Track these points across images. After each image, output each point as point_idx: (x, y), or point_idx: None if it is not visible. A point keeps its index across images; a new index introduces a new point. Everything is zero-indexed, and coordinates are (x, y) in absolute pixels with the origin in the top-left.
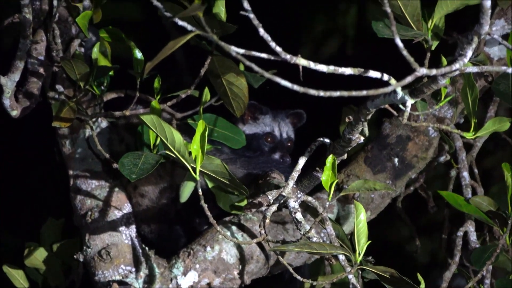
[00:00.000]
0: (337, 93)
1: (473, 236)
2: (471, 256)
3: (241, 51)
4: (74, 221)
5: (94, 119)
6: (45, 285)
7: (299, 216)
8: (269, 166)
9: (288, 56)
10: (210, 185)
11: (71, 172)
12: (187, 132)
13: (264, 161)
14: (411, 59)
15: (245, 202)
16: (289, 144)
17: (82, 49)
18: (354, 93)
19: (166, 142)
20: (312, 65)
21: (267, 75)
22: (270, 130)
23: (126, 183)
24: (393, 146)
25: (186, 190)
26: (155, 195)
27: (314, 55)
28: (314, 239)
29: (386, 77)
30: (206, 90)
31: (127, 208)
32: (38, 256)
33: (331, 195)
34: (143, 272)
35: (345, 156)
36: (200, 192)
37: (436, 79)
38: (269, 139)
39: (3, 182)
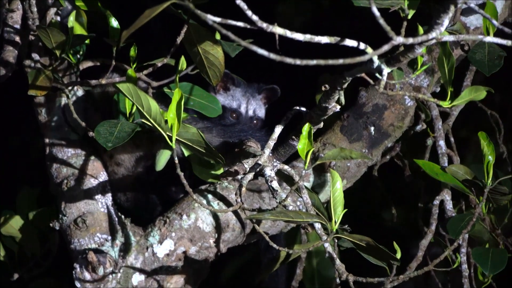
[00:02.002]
0: (313, 62)
1: (449, 205)
2: (447, 225)
3: (217, 19)
4: (51, 190)
5: (70, 88)
6: (21, 253)
7: (275, 184)
8: (245, 135)
9: (264, 25)
10: (186, 153)
11: (47, 140)
12: (163, 100)
13: (240, 129)
14: (387, 28)
15: (221, 171)
16: (255, 122)
17: (58, 18)
18: (331, 62)
19: (142, 110)
20: (289, 33)
21: (243, 43)
22: (236, 107)
23: (102, 151)
24: (369, 115)
25: (162, 159)
26: (131, 163)
27: (290, 26)
28: (290, 208)
29: (362, 45)
30: (182, 58)
31: (103, 176)
32: (14, 224)
33: (307, 164)
34: (119, 240)
35: (321, 124)
36: (176, 161)
37: (413, 48)
38: (234, 115)
39: None
